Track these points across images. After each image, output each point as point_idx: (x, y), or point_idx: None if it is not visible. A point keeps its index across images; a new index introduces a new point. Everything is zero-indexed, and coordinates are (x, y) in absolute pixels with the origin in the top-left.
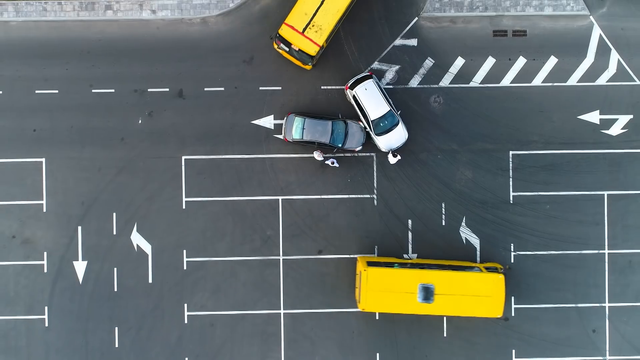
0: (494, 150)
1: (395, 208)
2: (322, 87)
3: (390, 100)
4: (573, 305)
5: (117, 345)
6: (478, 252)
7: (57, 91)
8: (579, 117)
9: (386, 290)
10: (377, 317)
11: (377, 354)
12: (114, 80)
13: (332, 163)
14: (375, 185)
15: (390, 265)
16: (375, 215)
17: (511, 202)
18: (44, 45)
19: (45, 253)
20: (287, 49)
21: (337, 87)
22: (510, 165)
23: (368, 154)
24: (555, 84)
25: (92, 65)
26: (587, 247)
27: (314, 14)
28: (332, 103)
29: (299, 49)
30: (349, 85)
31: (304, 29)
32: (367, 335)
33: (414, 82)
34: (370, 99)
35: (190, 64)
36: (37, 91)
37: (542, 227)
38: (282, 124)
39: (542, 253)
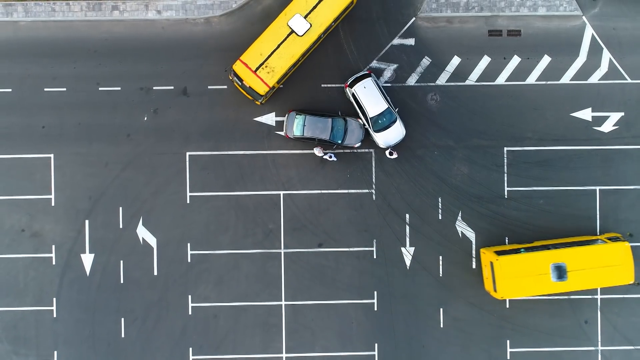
0: (489, 146)
1: (393, 202)
2: (322, 85)
3: (388, 98)
4: (566, 297)
5: (123, 336)
6: (474, 246)
7: (65, 89)
8: (571, 114)
9: (520, 275)
10: (375, 309)
11: (376, 344)
12: (120, 79)
13: (330, 157)
14: (373, 180)
15: (516, 251)
16: (373, 209)
17: (506, 196)
18: (53, 45)
19: (53, 246)
20: (240, 84)
21: (337, 85)
22: (505, 161)
23: (367, 150)
24: (549, 82)
25: (99, 64)
26: None
27: (269, 56)
28: (332, 101)
29: (250, 86)
30: (348, 83)
31: (257, 68)
32: (366, 326)
33: (412, 81)
34: (369, 97)
35: (194, 62)
36: (45, 89)
37: (536, 221)
38: (283, 121)
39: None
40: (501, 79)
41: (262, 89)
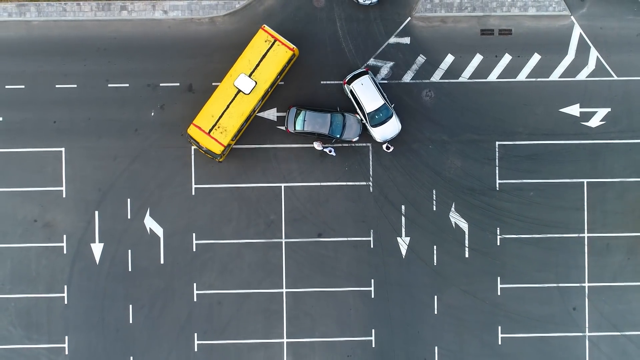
0: (482, 140)
1: (389, 194)
2: (322, 82)
3: (384, 94)
4: (555, 285)
5: (131, 322)
6: (467, 236)
7: (75, 86)
8: (560, 110)
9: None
10: (372, 296)
11: (373, 330)
12: (129, 76)
13: (330, 151)
14: (371, 173)
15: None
16: (370, 201)
17: (497, 189)
18: (64, 43)
19: (64, 236)
20: (197, 145)
21: (336, 82)
22: (497, 154)
23: (364, 144)
24: (539, 79)
25: (108, 61)
26: (568, 231)
27: (220, 116)
28: (331, 97)
29: (206, 148)
30: (346, 80)
31: (210, 130)
32: (364, 313)
33: (407, 78)
34: (366, 93)
35: (199, 60)
36: (57, 86)
37: (526, 212)
38: (284, 116)
39: (526, 236)
40: (493, 76)
41: (217, 149)
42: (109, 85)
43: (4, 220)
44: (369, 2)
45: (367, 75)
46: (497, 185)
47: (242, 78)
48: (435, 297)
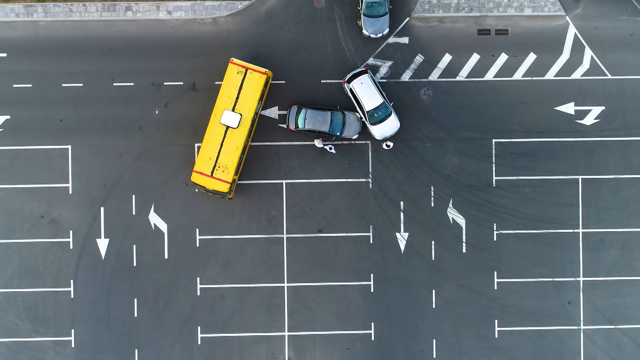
0: (479, 138)
1: (388, 191)
2: (322, 81)
3: (383, 93)
4: (550, 279)
5: (136, 315)
6: (464, 231)
7: (81, 84)
8: (555, 108)
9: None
10: (371, 290)
11: (372, 324)
12: (133, 75)
13: (330, 149)
14: (370, 170)
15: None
16: (370, 197)
17: (494, 185)
18: (70, 43)
19: (70, 231)
20: (205, 190)
21: (336, 81)
22: (493, 152)
23: (364, 142)
24: (534, 78)
25: (114, 61)
26: (563, 227)
27: (217, 156)
28: (331, 96)
29: (212, 190)
30: (346, 79)
31: (212, 172)
32: (363, 307)
33: (406, 77)
34: (366, 92)
35: (203, 60)
36: (63, 84)
37: (523, 208)
38: (285, 114)
39: (523, 232)
40: (490, 75)
41: (224, 188)
42: (114, 84)
43: (12, 216)
44: (379, 34)
45: (366, 75)
46: (494, 182)
47: (226, 114)
48: (434, 291)
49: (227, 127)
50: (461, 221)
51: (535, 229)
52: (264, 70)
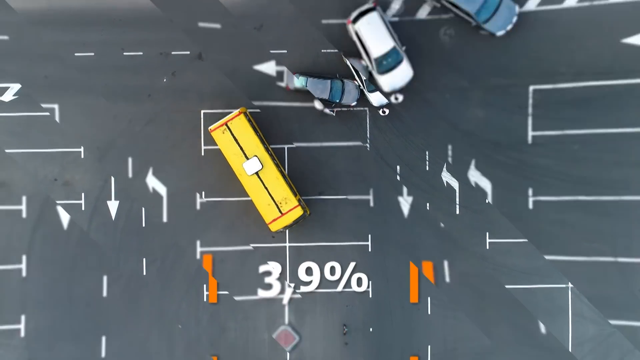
0: (511, 85)
1: (385, 155)
2: (322, 51)
3: (394, 35)
4: (612, 258)
5: (144, 274)
6: (489, 196)
7: (93, 54)
8: (623, 40)
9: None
10: (369, 250)
11: (370, 282)
12: (143, 45)
13: (331, 111)
14: (368, 135)
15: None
16: (369, 160)
17: (530, 142)
18: (82, 14)
19: (82, 194)
20: (289, 228)
21: (339, 20)
22: (530, 101)
23: (362, 109)
24: (595, 2)
25: (124, 31)
26: (628, 193)
27: (272, 197)
28: (330, 65)
29: (292, 222)
30: (351, 19)
31: (280, 211)
32: (361, 264)
33: (423, 13)
34: (374, 34)
35: (208, 30)
36: (76, 54)
37: (569, 170)
38: (283, 71)
39: (568, 199)
40: (532, 4)
41: (298, 213)
42: (124, 53)
43: (26, 179)
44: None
45: (375, 12)
46: (530, 138)
47: (247, 166)
48: (446, 262)
49: (256, 173)
50: (486, 185)
51: (586, 194)
52: (237, 112)
